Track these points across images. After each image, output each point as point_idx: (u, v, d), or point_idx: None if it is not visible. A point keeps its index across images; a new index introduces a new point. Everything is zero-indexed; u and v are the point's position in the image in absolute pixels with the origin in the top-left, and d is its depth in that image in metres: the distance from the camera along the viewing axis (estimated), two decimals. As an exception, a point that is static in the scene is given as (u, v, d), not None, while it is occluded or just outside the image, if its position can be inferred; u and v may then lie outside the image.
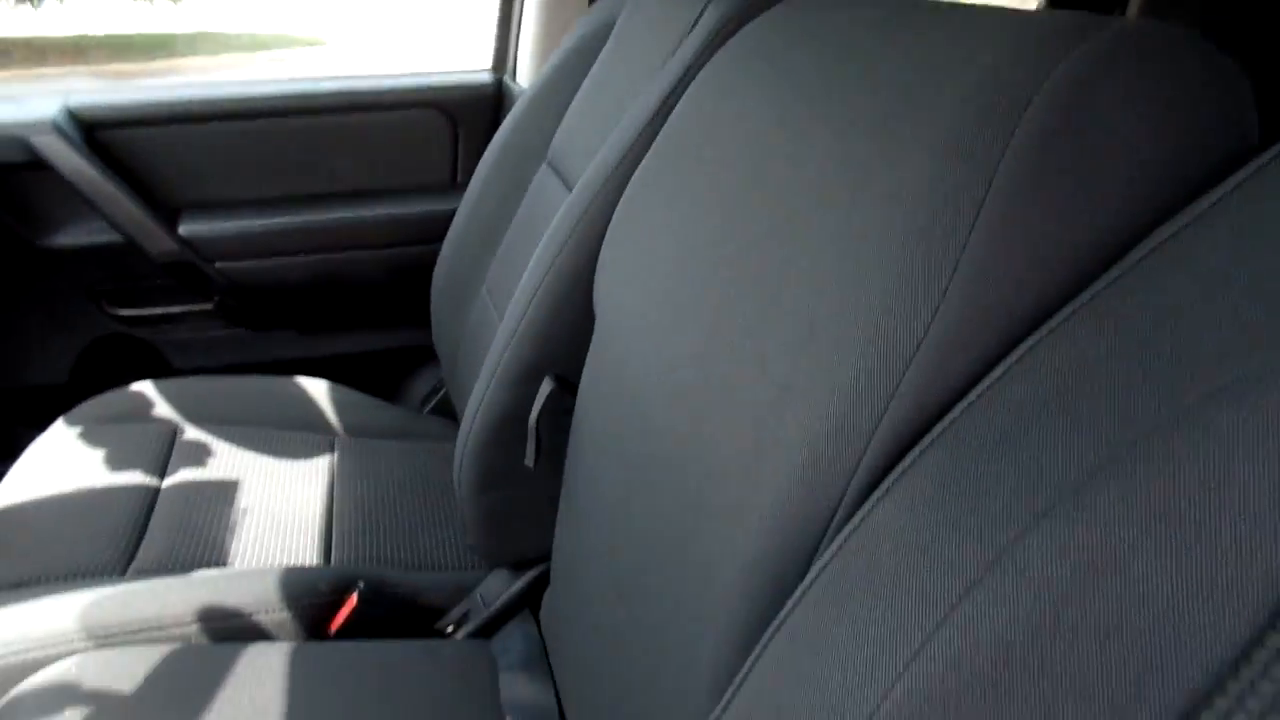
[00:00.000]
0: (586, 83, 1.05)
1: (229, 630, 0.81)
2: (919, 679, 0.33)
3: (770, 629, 0.42)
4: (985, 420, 0.38)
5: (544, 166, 1.10)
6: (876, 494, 0.41)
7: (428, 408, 1.30)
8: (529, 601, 0.89)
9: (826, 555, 0.41)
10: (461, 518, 0.88)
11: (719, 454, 0.51)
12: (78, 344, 1.39)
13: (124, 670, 0.73)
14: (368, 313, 1.49)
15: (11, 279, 1.33)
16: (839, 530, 0.42)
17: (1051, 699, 0.29)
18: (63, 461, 0.99)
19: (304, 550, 0.93)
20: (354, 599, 0.85)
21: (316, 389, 1.21)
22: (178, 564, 0.87)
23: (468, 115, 1.43)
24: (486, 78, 1.47)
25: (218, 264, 1.33)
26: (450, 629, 0.90)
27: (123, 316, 1.39)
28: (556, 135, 1.09)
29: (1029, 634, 0.30)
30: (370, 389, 1.26)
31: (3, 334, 1.36)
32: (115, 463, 0.99)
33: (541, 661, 0.83)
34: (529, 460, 0.80)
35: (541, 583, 0.89)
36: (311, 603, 0.85)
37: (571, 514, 0.76)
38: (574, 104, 1.07)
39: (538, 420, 0.79)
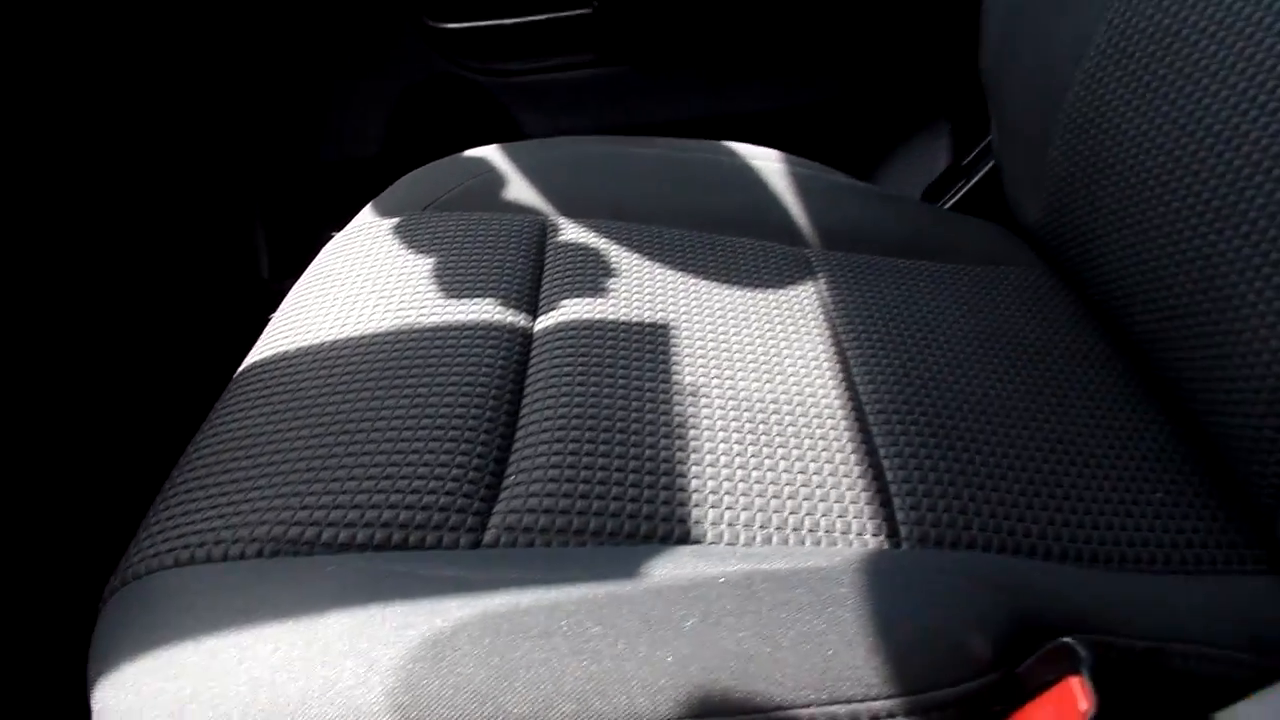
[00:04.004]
0: None
1: None
2: None
3: None
4: None
5: None
6: None
7: (947, 201, 0.73)
8: None
9: None
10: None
11: None
12: (387, 94, 0.94)
13: None
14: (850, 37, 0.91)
15: None
16: None
17: None
18: (369, 271, 0.54)
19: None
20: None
21: (766, 164, 0.68)
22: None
23: None
24: None
25: None
26: None
27: (448, 30, 0.91)
28: None
29: None
30: (839, 164, 0.71)
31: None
32: (456, 278, 0.53)
33: None
34: None
35: None
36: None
37: None
38: None
39: None
